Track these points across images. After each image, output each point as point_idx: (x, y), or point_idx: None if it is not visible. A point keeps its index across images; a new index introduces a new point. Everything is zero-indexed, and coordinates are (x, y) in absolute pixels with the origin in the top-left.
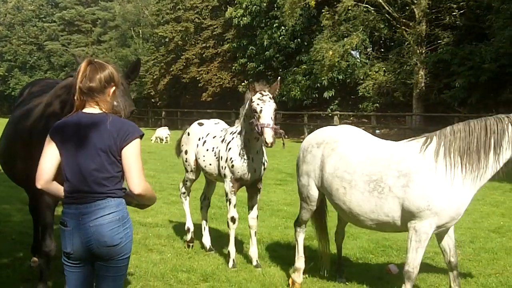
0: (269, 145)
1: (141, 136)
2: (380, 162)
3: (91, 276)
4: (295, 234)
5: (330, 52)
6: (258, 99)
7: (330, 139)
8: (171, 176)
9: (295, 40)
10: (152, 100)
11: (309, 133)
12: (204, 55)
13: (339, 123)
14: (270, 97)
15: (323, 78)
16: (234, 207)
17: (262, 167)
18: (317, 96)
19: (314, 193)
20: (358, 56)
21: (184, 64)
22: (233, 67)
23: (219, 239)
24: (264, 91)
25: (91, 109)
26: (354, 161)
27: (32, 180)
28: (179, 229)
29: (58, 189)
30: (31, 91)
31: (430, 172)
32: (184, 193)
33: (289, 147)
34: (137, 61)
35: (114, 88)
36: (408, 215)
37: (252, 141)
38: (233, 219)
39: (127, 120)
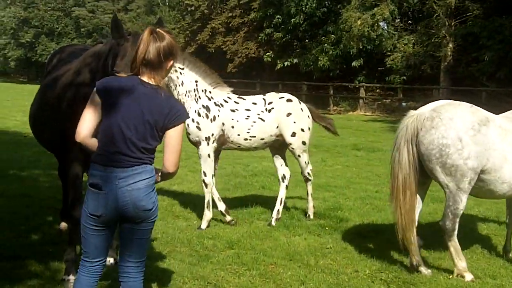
0: None
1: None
2: None
3: (110, 240)
4: (453, 236)
5: (359, 22)
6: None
7: (489, 116)
8: None
9: (322, 9)
10: None
11: (334, 105)
12: (230, 25)
13: (365, 95)
14: None
15: (352, 49)
16: None
17: None
18: (345, 66)
19: (475, 177)
20: (386, 27)
21: (210, 33)
22: (259, 37)
23: (245, 208)
24: None
25: (145, 78)
26: None
27: (61, 146)
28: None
29: (94, 145)
30: (61, 58)
31: None
32: None
33: None
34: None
35: (172, 61)
36: None
37: None
38: None
39: (178, 101)
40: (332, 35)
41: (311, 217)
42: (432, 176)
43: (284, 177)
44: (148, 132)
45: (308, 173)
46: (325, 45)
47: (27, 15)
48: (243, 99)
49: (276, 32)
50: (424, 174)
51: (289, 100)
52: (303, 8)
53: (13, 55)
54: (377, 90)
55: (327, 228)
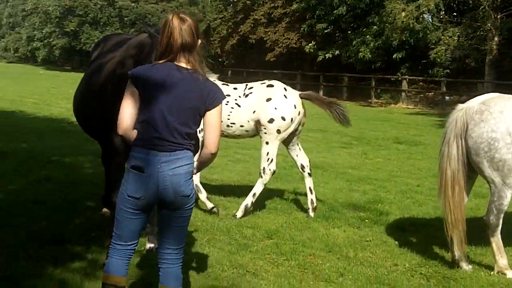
0: None
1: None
2: None
3: (144, 224)
4: (496, 232)
5: (403, 14)
6: None
7: None
8: None
9: (365, 0)
10: (220, 59)
11: (376, 97)
12: (272, 15)
13: (408, 88)
14: None
15: (394, 41)
16: None
17: None
18: (386, 58)
19: None
20: (430, 19)
21: (252, 24)
22: (301, 28)
23: (284, 199)
24: None
25: (182, 64)
26: None
27: (105, 134)
28: (244, 186)
29: (134, 136)
30: (105, 46)
31: None
32: None
33: (354, 111)
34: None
35: (200, 41)
36: None
37: None
38: None
39: (214, 82)
40: (375, 27)
41: (238, 217)
42: (478, 171)
43: (303, 166)
44: (190, 117)
45: (264, 168)
46: (367, 36)
47: (72, 4)
48: (227, 85)
49: (319, 23)
50: (471, 169)
51: (270, 86)
52: (347, 0)
53: (57, 43)
54: (420, 83)
55: (366, 221)
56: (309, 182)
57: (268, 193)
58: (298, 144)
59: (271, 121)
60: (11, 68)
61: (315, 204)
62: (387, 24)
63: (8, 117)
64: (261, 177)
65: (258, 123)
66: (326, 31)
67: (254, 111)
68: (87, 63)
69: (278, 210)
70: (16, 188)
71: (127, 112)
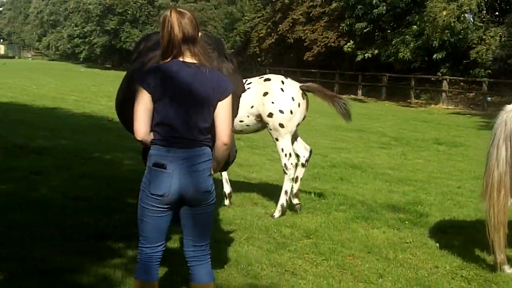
0: None
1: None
2: None
3: (168, 223)
4: None
5: (444, 12)
6: None
7: None
8: None
9: (406, 0)
10: (258, 59)
11: (415, 97)
12: (311, 14)
13: (448, 88)
14: None
15: (434, 40)
16: None
17: None
18: (426, 58)
19: None
20: (471, 18)
21: (291, 24)
22: (340, 27)
23: (322, 198)
24: None
25: (187, 59)
26: None
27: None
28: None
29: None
30: (146, 45)
31: None
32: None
33: (393, 111)
34: (246, 39)
35: (200, 33)
36: None
37: None
38: None
39: (222, 73)
40: (414, 26)
41: (276, 216)
42: None
43: (298, 156)
44: (206, 110)
45: (285, 164)
46: (407, 36)
47: (112, 2)
48: None
49: (358, 23)
50: None
51: (267, 80)
52: None
53: (98, 41)
54: (461, 84)
55: (406, 222)
56: (299, 171)
57: (307, 193)
58: (297, 136)
59: (270, 115)
60: (52, 66)
61: (295, 191)
62: (427, 24)
63: (50, 114)
64: (286, 173)
65: (259, 118)
66: (365, 30)
67: (252, 106)
68: (128, 61)
69: (317, 209)
70: (57, 184)
71: (143, 118)
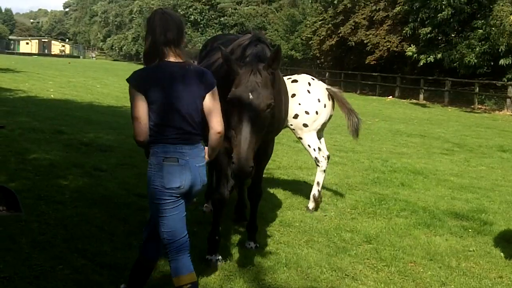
0: None
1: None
2: None
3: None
4: None
5: (511, 17)
6: None
7: None
8: (333, 137)
9: (472, 5)
10: (318, 61)
11: (479, 103)
12: (374, 18)
13: None
14: None
15: (501, 45)
16: None
17: None
18: (491, 63)
19: None
20: None
21: (353, 27)
22: (404, 31)
23: (383, 203)
24: None
25: (172, 59)
26: None
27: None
28: (342, 189)
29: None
30: (213, 46)
31: None
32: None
33: (456, 116)
34: (277, 48)
35: (184, 35)
36: None
37: None
38: None
39: (205, 69)
40: (480, 30)
41: (310, 208)
42: None
43: (317, 159)
44: (198, 105)
45: (316, 158)
46: (472, 40)
47: (175, 2)
48: None
49: (422, 27)
50: None
51: (294, 81)
52: (451, 2)
53: None
54: None
55: (470, 230)
56: (319, 176)
57: (367, 197)
58: (322, 137)
59: (296, 116)
60: (116, 66)
61: (315, 195)
62: (493, 28)
63: (114, 113)
64: (318, 166)
65: None
66: (429, 34)
67: None
68: (198, 61)
69: (377, 215)
70: (121, 181)
71: (143, 120)
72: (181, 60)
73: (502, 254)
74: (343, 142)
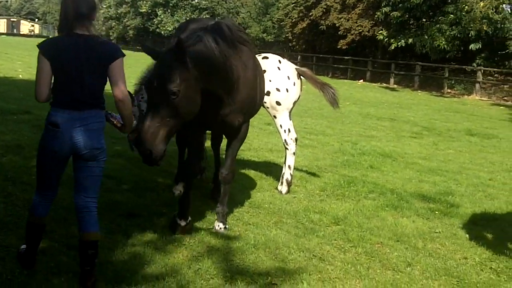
0: None
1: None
2: None
3: (61, 176)
4: None
5: (481, 4)
6: None
7: None
8: (304, 120)
9: None
10: (290, 44)
11: (449, 87)
12: (346, 2)
13: (482, 79)
14: None
15: (472, 31)
16: None
17: None
18: (461, 48)
19: None
20: (509, 9)
21: (324, 10)
22: (376, 16)
23: (352, 186)
24: None
25: (80, 31)
26: None
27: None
28: (311, 171)
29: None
30: (186, 31)
31: None
32: None
33: (426, 100)
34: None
35: (96, 14)
36: None
37: None
38: None
39: (111, 41)
40: (451, 15)
41: (283, 192)
42: None
43: (286, 142)
44: (99, 75)
45: (285, 140)
46: (442, 25)
47: None
48: None
49: (394, 11)
50: None
51: (265, 58)
52: None
53: (131, 23)
54: (496, 75)
55: (436, 212)
56: (289, 159)
57: (336, 180)
58: (290, 119)
59: (268, 93)
60: None
61: (288, 179)
62: (463, 13)
63: None
64: (287, 149)
65: None
66: (400, 19)
67: None
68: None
69: (346, 196)
70: None
71: (44, 83)
72: (88, 33)
73: (467, 236)
74: (313, 125)
